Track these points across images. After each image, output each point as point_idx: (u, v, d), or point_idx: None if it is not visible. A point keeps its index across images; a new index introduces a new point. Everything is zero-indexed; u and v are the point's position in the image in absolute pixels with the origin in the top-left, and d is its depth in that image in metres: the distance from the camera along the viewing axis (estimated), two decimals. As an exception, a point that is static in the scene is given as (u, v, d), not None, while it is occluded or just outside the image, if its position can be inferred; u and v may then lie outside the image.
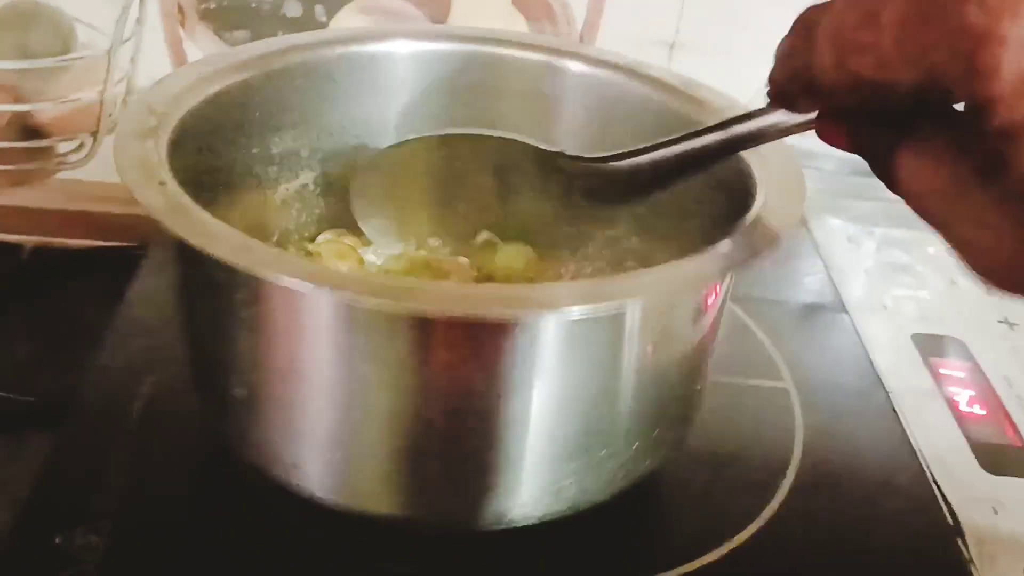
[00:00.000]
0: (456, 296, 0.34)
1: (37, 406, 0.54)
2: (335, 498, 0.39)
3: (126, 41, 0.60)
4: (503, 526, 0.39)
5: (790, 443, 0.48)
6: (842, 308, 0.60)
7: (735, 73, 0.66)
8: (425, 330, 0.35)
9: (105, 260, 0.65)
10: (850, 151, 0.31)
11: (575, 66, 0.52)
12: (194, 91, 0.43)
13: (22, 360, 0.57)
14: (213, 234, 0.34)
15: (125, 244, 0.65)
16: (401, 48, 0.51)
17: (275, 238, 0.51)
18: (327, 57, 0.49)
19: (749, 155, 0.41)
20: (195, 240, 0.33)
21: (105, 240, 0.65)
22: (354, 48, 0.50)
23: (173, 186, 0.36)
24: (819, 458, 0.48)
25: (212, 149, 0.45)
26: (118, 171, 0.36)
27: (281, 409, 0.38)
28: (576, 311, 0.33)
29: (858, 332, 0.58)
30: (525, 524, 0.39)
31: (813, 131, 0.32)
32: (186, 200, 0.35)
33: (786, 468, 0.47)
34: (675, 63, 0.63)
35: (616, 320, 0.36)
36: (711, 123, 0.39)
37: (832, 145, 0.31)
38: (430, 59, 0.52)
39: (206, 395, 0.42)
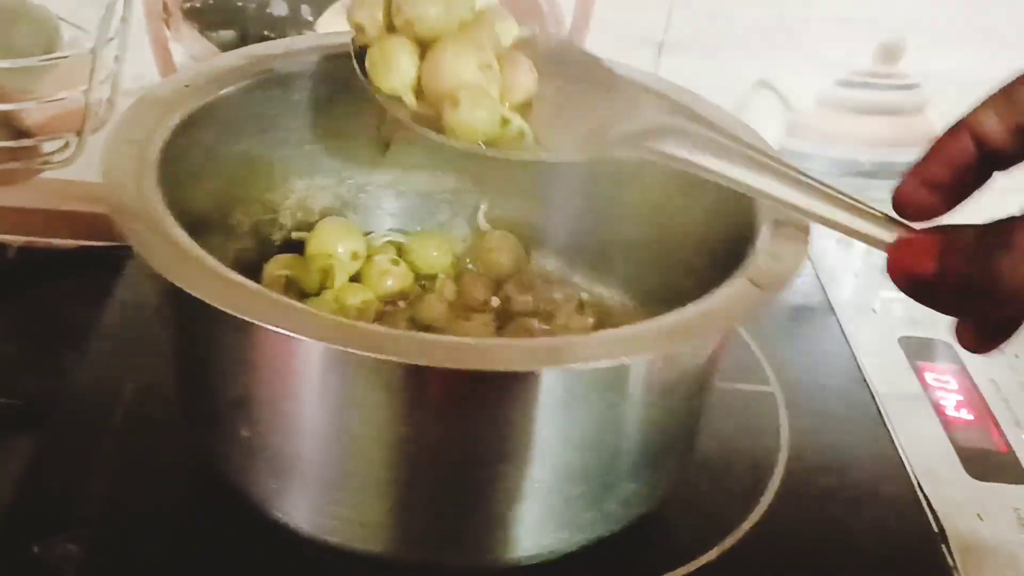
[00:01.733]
0: (457, 349, 0.33)
1: (20, 409, 0.53)
2: (322, 535, 0.39)
3: (111, 40, 0.59)
4: (499, 566, 0.40)
5: (776, 447, 0.48)
6: (830, 310, 0.60)
7: (723, 74, 0.66)
8: (428, 380, 0.34)
9: (90, 260, 0.65)
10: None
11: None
12: (176, 107, 0.43)
13: (5, 361, 0.56)
14: (204, 276, 0.34)
15: (110, 244, 0.64)
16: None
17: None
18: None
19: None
20: (194, 291, 0.33)
21: (90, 240, 0.65)
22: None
23: (163, 221, 0.36)
24: (805, 463, 0.48)
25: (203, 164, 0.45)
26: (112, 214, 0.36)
27: (270, 447, 0.38)
28: (589, 366, 0.33)
29: (845, 335, 0.58)
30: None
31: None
32: (178, 236, 0.35)
33: (772, 473, 0.47)
34: (664, 63, 0.63)
35: (620, 371, 0.36)
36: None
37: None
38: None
39: (191, 418, 0.42)
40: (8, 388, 0.54)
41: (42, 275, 0.64)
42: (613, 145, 0.40)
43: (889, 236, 0.33)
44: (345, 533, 0.39)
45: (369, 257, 0.52)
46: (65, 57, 0.61)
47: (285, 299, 0.34)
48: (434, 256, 0.53)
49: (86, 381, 0.48)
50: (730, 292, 0.36)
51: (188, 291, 0.33)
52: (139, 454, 0.44)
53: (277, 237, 0.52)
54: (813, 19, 0.65)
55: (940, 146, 0.33)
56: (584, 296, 0.52)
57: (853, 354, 0.56)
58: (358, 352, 0.32)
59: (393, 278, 0.51)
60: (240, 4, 0.64)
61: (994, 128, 0.31)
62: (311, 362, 0.35)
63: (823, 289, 0.62)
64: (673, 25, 0.63)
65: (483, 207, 0.54)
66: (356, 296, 0.50)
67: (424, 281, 0.53)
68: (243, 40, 0.62)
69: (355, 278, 0.51)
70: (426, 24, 0.42)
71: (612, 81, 0.44)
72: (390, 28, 0.43)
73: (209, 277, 0.34)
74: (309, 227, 0.52)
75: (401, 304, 0.51)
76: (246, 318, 0.32)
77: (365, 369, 0.34)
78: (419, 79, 0.42)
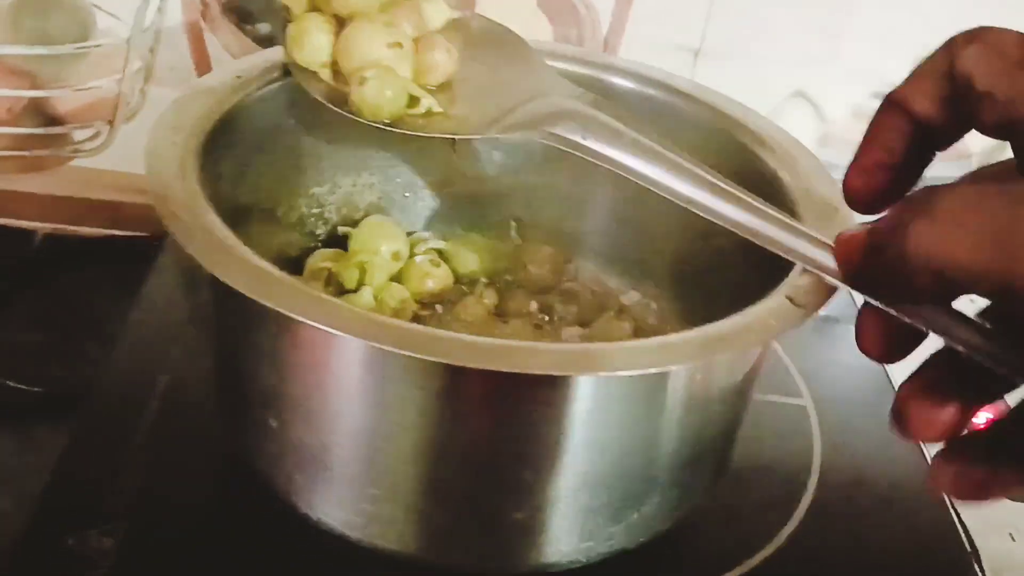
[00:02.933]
0: (498, 351, 0.33)
1: (46, 397, 0.53)
2: (349, 533, 0.39)
3: (146, 30, 0.59)
4: (522, 572, 0.40)
5: (808, 461, 0.48)
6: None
7: (759, 83, 0.65)
8: (465, 381, 0.34)
9: (117, 249, 0.65)
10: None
11: (620, 82, 0.51)
12: (221, 101, 0.43)
13: (31, 349, 0.56)
14: (245, 269, 0.33)
15: (138, 234, 0.64)
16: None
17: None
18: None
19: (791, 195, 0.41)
20: (234, 282, 0.33)
21: (118, 229, 0.65)
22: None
23: (204, 210, 0.36)
24: (837, 477, 0.48)
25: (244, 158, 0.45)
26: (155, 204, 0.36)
27: (302, 442, 0.38)
28: (629, 373, 0.33)
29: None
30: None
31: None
32: (218, 228, 0.35)
33: (805, 487, 0.47)
34: (699, 69, 0.63)
35: (658, 380, 0.35)
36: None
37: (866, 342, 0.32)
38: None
39: (224, 411, 0.42)
40: (32, 375, 0.54)
41: (68, 263, 0.64)
42: (513, 125, 0.41)
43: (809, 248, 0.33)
44: (372, 531, 0.39)
45: (411, 257, 0.52)
46: (99, 46, 0.61)
47: (323, 294, 0.34)
48: (475, 260, 0.53)
49: (118, 372, 0.48)
50: (769, 307, 0.35)
51: (227, 282, 0.33)
52: (171, 447, 0.44)
53: (322, 231, 0.52)
54: (851, 30, 0.65)
55: (874, 128, 0.31)
56: (624, 300, 0.52)
57: (884, 367, 0.56)
58: (394, 350, 0.32)
59: (433, 280, 0.51)
60: (276, -2, 0.64)
61: (922, 101, 0.30)
62: (347, 358, 0.35)
63: (854, 300, 0.62)
64: (710, 32, 0.63)
65: (514, 224, 0.54)
66: (394, 296, 0.49)
67: (464, 285, 0.53)
68: (279, 33, 0.62)
69: (395, 278, 0.51)
70: (342, 2, 0.43)
71: (534, 64, 0.45)
72: (312, 7, 0.44)
73: (249, 269, 0.34)
74: (354, 223, 0.52)
75: (438, 308, 0.51)
76: (284, 311, 0.32)
77: (401, 367, 0.34)
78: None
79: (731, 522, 0.45)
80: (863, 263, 0.29)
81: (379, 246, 0.50)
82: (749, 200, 0.34)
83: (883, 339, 0.31)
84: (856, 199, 0.32)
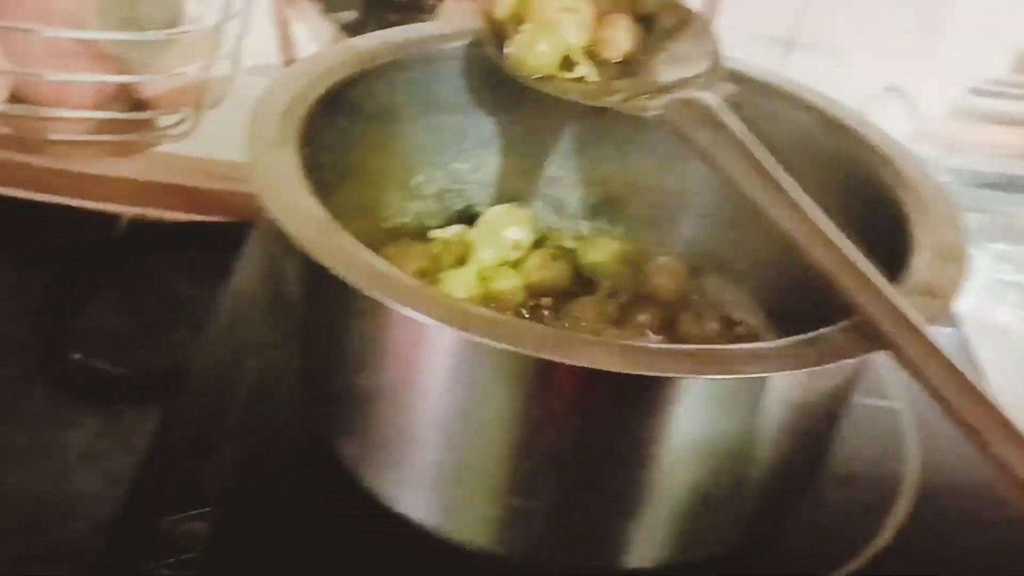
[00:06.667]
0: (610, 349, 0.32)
1: (131, 379, 0.54)
2: (434, 526, 0.39)
3: (234, 17, 0.60)
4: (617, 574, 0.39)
5: (902, 468, 0.47)
6: (954, 324, 0.58)
7: (852, 76, 0.64)
8: (565, 378, 0.34)
9: (200, 234, 0.65)
10: None
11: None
12: (316, 86, 0.43)
13: (117, 332, 0.57)
14: (353, 261, 0.33)
15: (221, 220, 0.65)
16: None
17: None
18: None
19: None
20: (343, 273, 0.33)
21: (201, 214, 0.65)
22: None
23: (307, 200, 0.35)
24: (933, 483, 0.46)
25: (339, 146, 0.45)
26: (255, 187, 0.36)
27: (392, 433, 0.38)
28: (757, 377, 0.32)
29: (971, 350, 0.56)
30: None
31: None
32: (323, 217, 0.35)
33: (897, 497, 0.45)
34: (791, 62, 0.61)
35: (762, 383, 0.34)
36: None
37: None
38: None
39: (313, 401, 0.42)
40: (117, 358, 0.54)
41: (152, 248, 0.64)
42: (642, 107, 0.43)
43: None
44: (455, 525, 0.39)
45: (535, 247, 0.51)
46: (187, 32, 0.61)
47: (416, 281, 0.33)
48: (602, 262, 0.51)
49: (208, 358, 0.48)
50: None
51: (319, 261, 0.32)
52: (260, 433, 0.44)
53: (460, 207, 0.53)
54: (949, 25, 0.63)
55: None
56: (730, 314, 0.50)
57: (979, 370, 0.54)
58: (491, 343, 0.31)
59: (549, 272, 0.50)
60: (363, -15, 0.64)
61: None
62: (439, 348, 0.35)
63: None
64: (804, 24, 0.61)
65: (650, 235, 0.53)
66: (505, 281, 0.49)
67: (585, 284, 0.51)
68: (364, 21, 0.62)
69: (514, 265, 0.50)
70: None
71: (701, 51, 0.46)
72: None
73: (342, 250, 0.33)
74: (490, 204, 0.52)
75: (546, 300, 0.49)
76: (376, 296, 0.32)
77: (498, 361, 0.34)
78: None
79: (823, 529, 0.43)
80: None
81: (503, 230, 0.50)
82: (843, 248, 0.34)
83: None
84: None
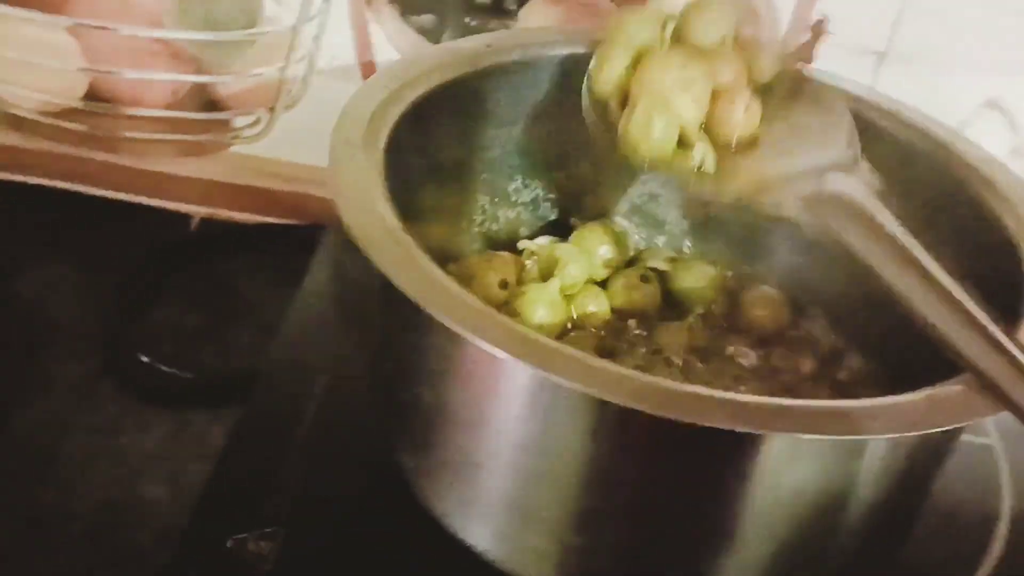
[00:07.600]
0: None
1: (197, 383, 0.53)
2: (496, 558, 0.38)
3: (312, 19, 0.59)
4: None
5: (996, 508, 0.44)
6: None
7: (948, 91, 0.61)
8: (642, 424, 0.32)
9: (271, 236, 0.65)
10: None
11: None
12: (416, 86, 0.42)
13: (185, 333, 0.57)
14: (426, 281, 0.32)
15: (293, 222, 0.64)
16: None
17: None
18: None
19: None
20: (416, 297, 0.32)
21: (273, 216, 0.65)
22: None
23: (383, 208, 0.35)
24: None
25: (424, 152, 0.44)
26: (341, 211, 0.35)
27: (458, 461, 0.37)
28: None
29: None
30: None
31: None
32: (397, 227, 0.34)
33: (992, 537, 0.43)
34: (882, 74, 0.59)
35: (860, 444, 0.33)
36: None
37: None
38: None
39: (382, 421, 0.41)
40: (185, 361, 0.54)
41: (222, 248, 0.64)
42: (778, 206, 0.38)
43: None
44: (517, 558, 0.38)
45: (626, 267, 0.50)
46: (265, 33, 0.61)
47: (493, 311, 0.32)
48: (694, 287, 0.49)
49: (278, 372, 0.47)
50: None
51: (395, 284, 0.32)
52: (328, 452, 0.43)
53: (552, 216, 0.52)
54: (1053, 39, 0.60)
55: None
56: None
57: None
58: (570, 384, 0.30)
59: (637, 293, 0.48)
60: (443, -12, 0.63)
61: None
62: (513, 382, 0.33)
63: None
64: (898, 35, 0.59)
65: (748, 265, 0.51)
66: (592, 303, 0.47)
67: (675, 310, 0.50)
68: (442, 25, 0.61)
69: (603, 284, 0.49)
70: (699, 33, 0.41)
71: (833, 132, 0.41)
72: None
73: (420, 274, 0.32)
74: (584, 216, 0.51)
75: (631, 322, 0.48)
76: (450, 324, 0.31)
77: (575, 402, 0.32)
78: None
79: (913, 573, 0.41)
80: None
81: (595, 247, 0.49)
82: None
83: None
84: None
